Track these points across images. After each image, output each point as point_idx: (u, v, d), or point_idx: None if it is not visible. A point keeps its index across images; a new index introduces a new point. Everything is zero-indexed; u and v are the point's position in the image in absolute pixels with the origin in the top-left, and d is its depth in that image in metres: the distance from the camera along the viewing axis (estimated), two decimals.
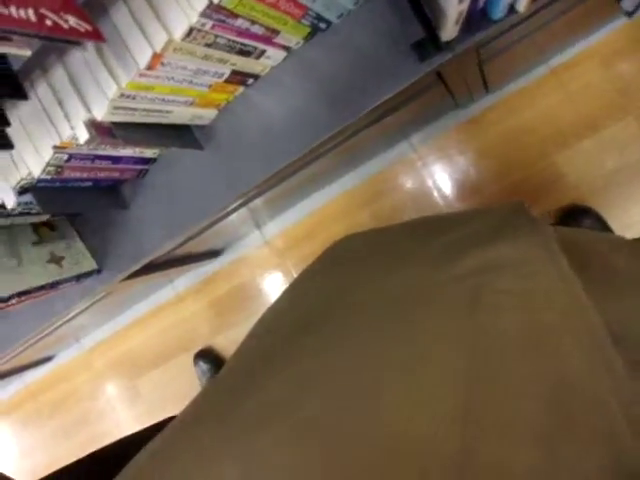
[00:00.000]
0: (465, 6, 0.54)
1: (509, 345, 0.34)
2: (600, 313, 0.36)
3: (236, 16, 0.54)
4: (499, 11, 0.60)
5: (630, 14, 0.62)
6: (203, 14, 0.51)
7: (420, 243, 0.51)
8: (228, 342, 1.47)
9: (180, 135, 0.76)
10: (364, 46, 0.68)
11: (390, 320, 0.38)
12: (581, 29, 1.04)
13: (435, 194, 1.25)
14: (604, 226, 1.09)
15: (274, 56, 0.69)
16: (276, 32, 0.63)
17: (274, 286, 1.44)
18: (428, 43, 0.62)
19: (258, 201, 1.00)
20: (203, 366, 1.43)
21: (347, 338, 0.38)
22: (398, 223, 0.65)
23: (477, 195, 1.21)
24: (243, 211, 1.02)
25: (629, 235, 0.72)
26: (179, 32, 0.53)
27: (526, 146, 1.16)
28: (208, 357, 1.45)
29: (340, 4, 0.65)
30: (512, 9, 0.60)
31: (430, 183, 1.25)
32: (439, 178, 1.24)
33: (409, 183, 1.26)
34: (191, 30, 0.53)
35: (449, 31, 0.61)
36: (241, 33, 0.59)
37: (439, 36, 0.63)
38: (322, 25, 0.67)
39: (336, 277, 0.52)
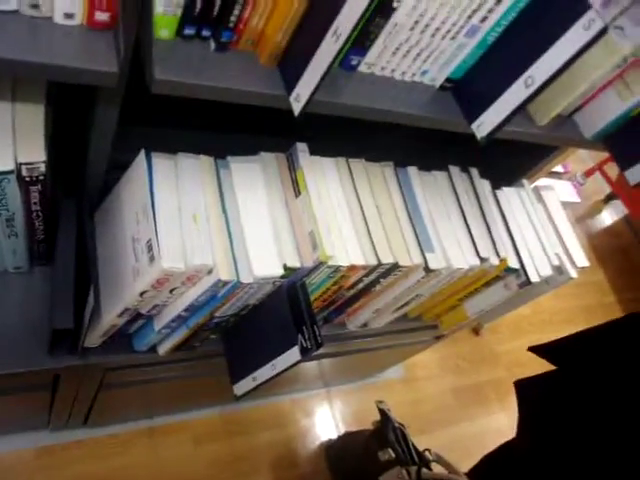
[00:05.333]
0: (120, 322, 0.58)
1: None
2: None
3: None
4: (143, 344, 0.65)
5: (238, 398, 0.72)
6: None
7: None
8: None
9: None
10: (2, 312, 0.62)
11: None
12: (195, 400, 1.16)
13: None
14: None
15: None
16: None
17: None
18: (69, 339, 0.61)
19: None
20: None
21: None
22: None
23: None
24: None
25: None
26: None
27: None
28: None
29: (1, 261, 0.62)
30: (154, 348, 0.67)
31: None
32: None
33: None
34: None
35: (93, 338, 0.62)
36: None
37: (82, 339, 0.63)
38: None
39: None
